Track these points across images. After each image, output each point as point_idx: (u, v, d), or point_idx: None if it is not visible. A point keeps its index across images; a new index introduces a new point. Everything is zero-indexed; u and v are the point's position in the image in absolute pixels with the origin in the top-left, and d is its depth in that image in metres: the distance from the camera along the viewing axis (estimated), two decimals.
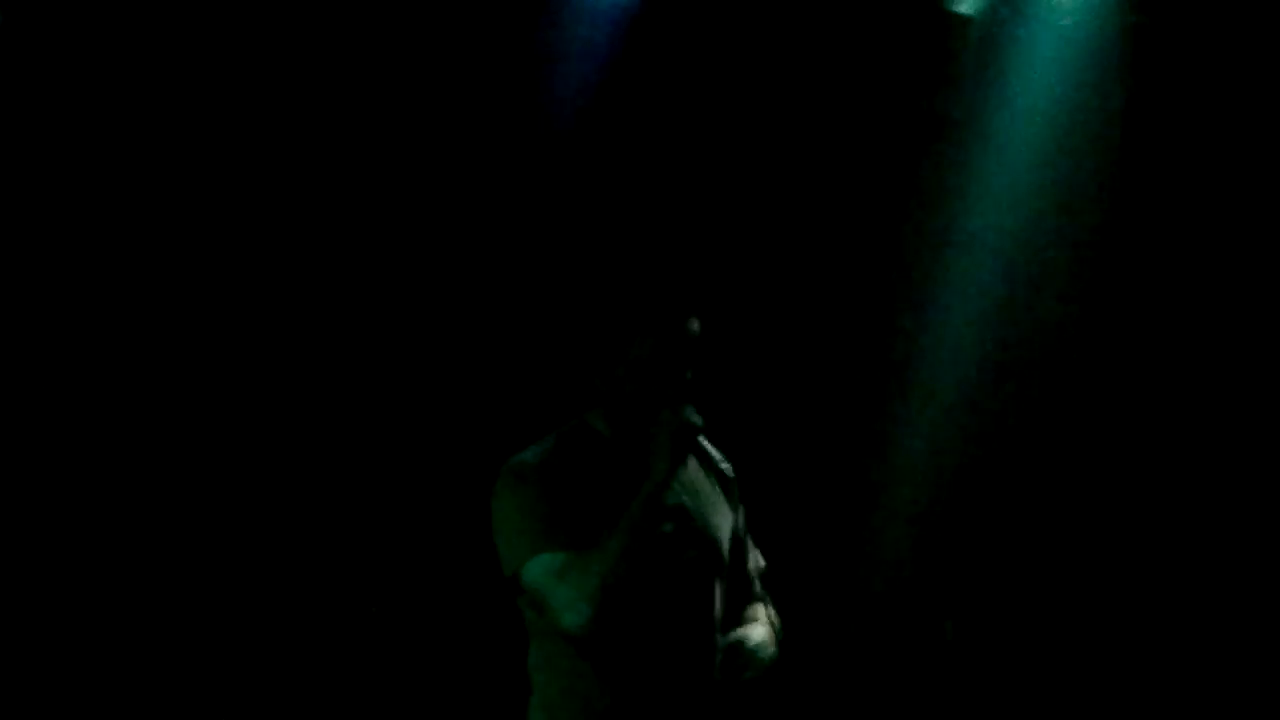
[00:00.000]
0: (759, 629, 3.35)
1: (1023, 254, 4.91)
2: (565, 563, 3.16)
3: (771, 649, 3.33)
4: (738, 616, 3.36)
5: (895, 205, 5.00)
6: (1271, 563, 4.77)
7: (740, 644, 3.29)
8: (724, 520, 3.34)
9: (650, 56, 4.89)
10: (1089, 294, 4.89)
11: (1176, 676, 4.75)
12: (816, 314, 5.01)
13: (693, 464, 3.31)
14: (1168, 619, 4.80)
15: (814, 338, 5.00)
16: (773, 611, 3.41)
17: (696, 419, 3.21)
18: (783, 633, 3.38)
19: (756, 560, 3.44)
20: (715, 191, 4.97)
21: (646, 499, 3.16)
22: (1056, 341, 4.89)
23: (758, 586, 3.42)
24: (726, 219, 4.98)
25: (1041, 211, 4.91)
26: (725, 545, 3.32)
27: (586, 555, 3.15)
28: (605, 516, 3.17)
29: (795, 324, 5.02)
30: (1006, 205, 4.88)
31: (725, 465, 3.31)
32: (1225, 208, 4.78)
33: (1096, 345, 4.90)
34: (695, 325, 3.26)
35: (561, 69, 4.84)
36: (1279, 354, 4.76)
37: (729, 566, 3.32)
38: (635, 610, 3.17)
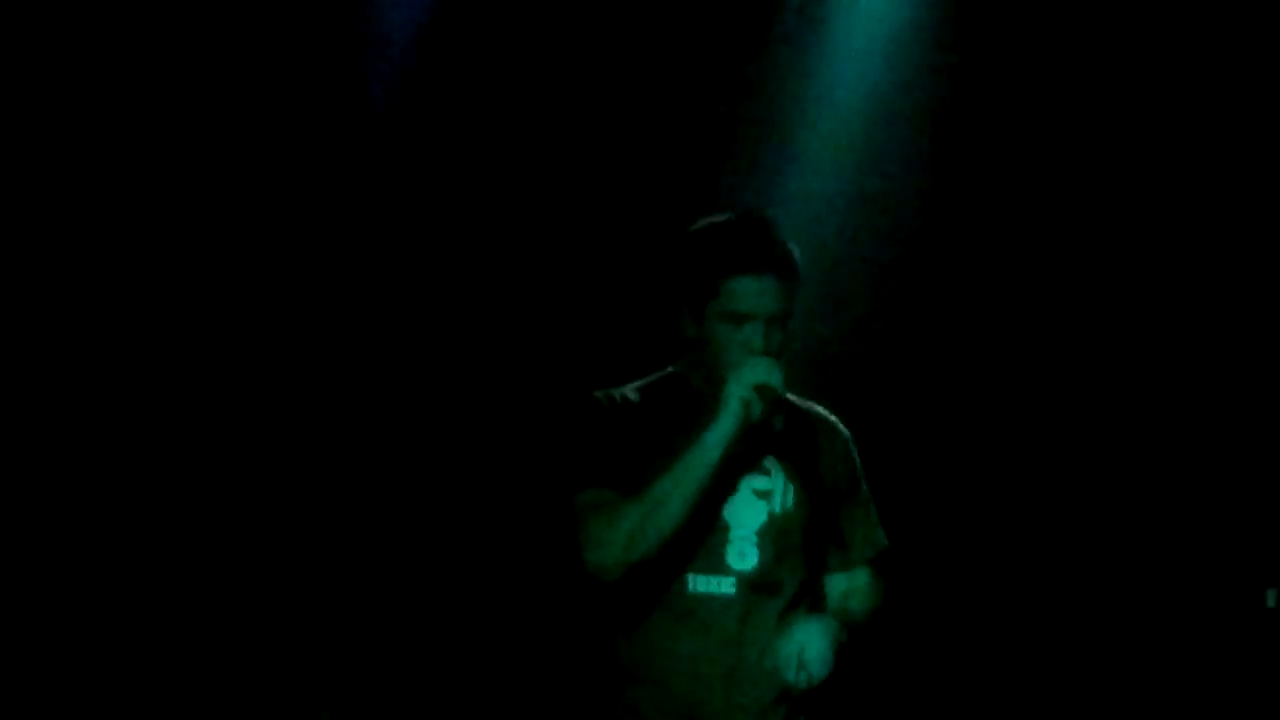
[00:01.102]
0: (818, 635, 3.13)
1: (834, 246, 4.83)
2: (610, 499, 3.12)
3: (827, 646, 3.12)
4: (812, 588, 3.27)
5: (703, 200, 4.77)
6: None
7: (798, 651, 3.12)
8: (803, 483, 3.24)
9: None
10: (900, 290, 4.89)
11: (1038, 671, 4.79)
12: (612, 306, 4.88)
13: (789, 422, 3.25)
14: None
15: (609, 331, 4.87)
16: (864, 583, 3.33)
17: (768, 376, 3.08)
18: (871, 602, 3.32)
19: (870, 535, 3.36)
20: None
21: (689, 456, 3.08)
22: (866, 339, 4.85)
23: (856, 555, 3.33)
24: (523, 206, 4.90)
25: (851, 205, 4.87)
26: (799, 509, 3.23)
27: (631, 499, 3.10)
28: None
29: (592, 317, 4.91)
30: (817, 201, 4.82)
31: (829, 420, 3.31)
32: (1043, 210, 4.80)
33: (907, 343, 4.90)
34: (768, 282, 3.14)
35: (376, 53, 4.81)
36: (1089, 343, 4.81)
37: (806, 531, 3.23)
38: (662, 565, 3.12)
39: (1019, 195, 4.81)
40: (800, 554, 3.24)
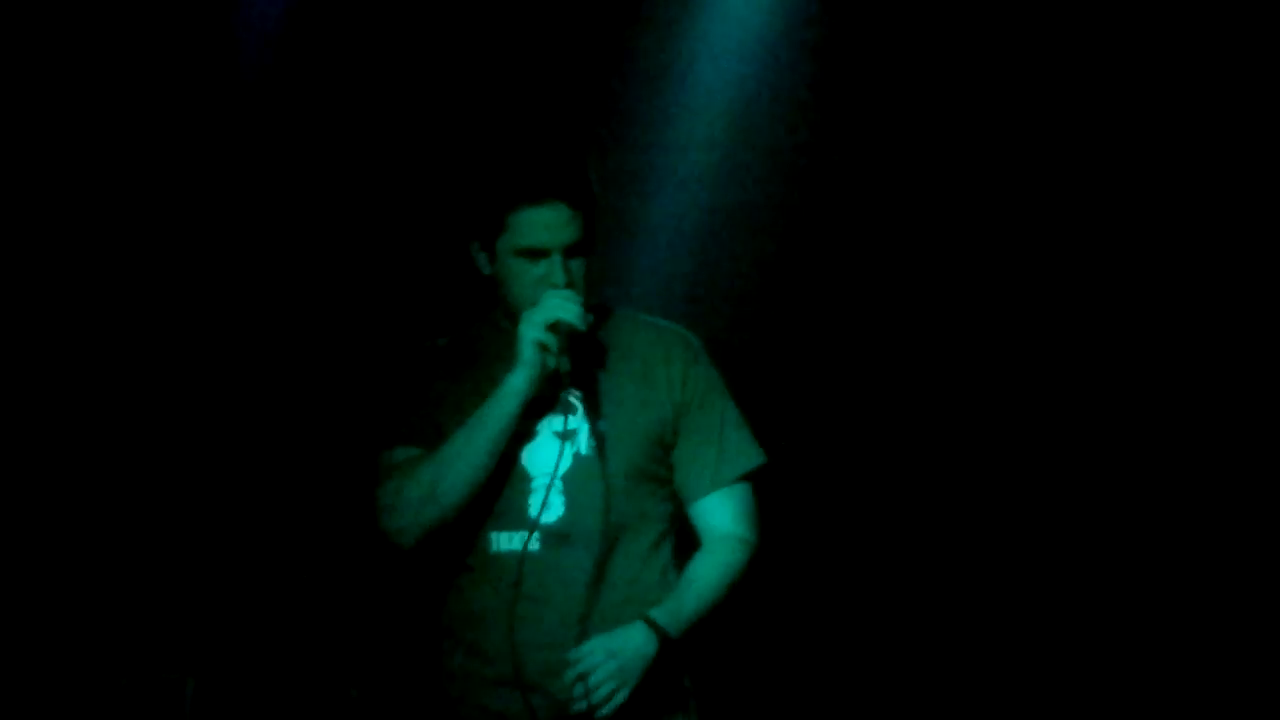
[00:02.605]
0: (619, 655, 2.88)
1: (706, 236, 4.78)
2: (407, 460, 2.95)
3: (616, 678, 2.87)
4: (656, 524, 3.02)
5: None
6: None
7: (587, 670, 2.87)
8: (618, 414, 2.99)
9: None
10: (771, 280, 4.81)
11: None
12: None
13: (607, 348, 3.02)
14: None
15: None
16: (712, 563, 3.01)
17: (561, 312, 2.88)
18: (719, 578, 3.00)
19: (730, 452, 3.04)
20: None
21: (483, 409, 2.90)
22: (739, 328, 4.73)
23: (712, 476, 3.02)
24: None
25: (722, 198, 4.79)
26: (631, 448, 2.98)
27: (424, 460, 2.93)
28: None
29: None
30: (689, 187, 4.76)
31: (671, 334, 3.07)
32: (917, 201, 4.71)
33: (778, 333, 4.82)
34: (560, 211, 2.92)
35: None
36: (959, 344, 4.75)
37: (629, 465, 2.97)
38: (464, 524, 2.93)
39: (887, 201, 4.74)
40: (625, 493, 2.97)
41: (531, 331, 2.88)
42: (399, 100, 4.79)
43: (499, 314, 3.05)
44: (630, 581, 2.98)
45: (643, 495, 3.01)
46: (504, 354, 2.94)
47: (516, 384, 2.89)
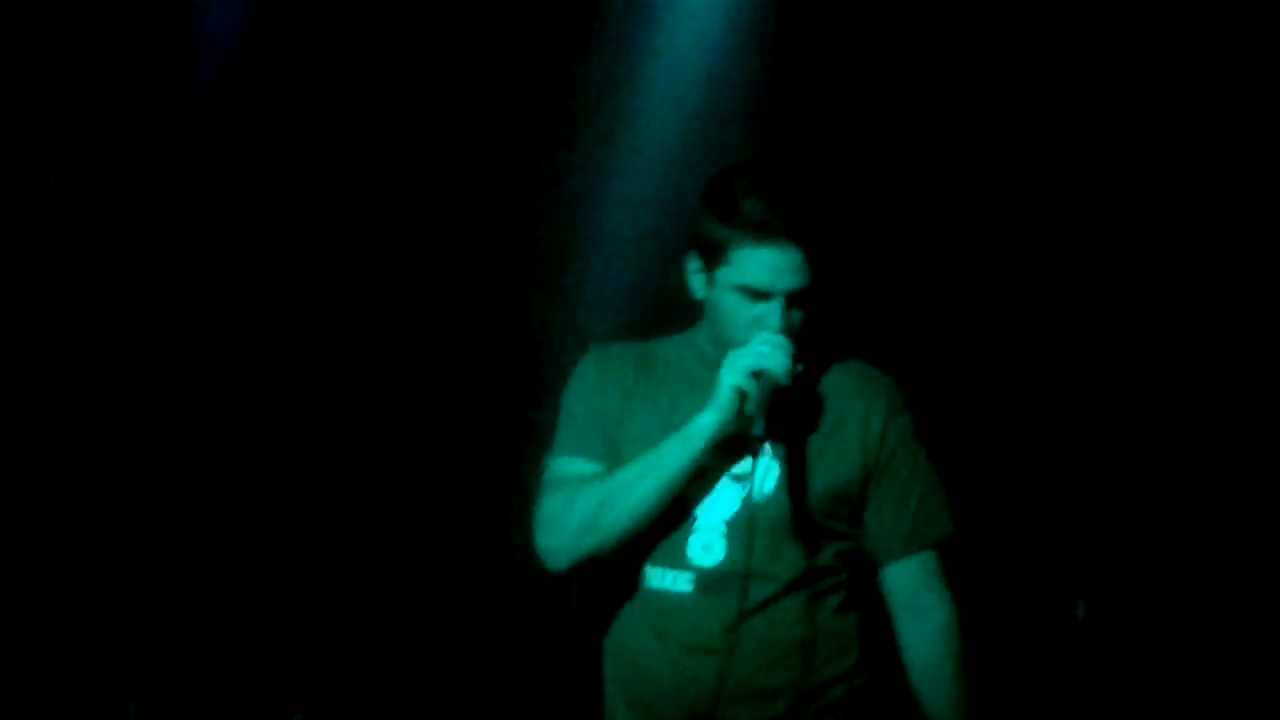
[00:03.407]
0: None
1: (666, 221, 4.64)
2: (576, 479, 2.81)
3: None
4: (826, 581, 2.86)
5: (530, 190, 4.78)
6: None
7: None
8: (798, 461, 2.81)
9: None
10: None
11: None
12: (445, 303, 4.80)
13: (808, 408, 2.83)
14: None
15: (443, 329, 4.80)
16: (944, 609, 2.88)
17: (768, 361, 2.68)
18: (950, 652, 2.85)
19: (915, 519, 2.87)
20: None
21: (665, 444, 2.74)
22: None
23: (895, 545, 2.86)
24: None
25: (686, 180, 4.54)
26: (782, 492, 2.81)
27: (596, 480, 2.78)
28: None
29: (427, 312, 4.80)
30: (648, 192, 4.70)
31: (874, 384, 2.89)
32: (876, 206, 4.65)
33: None
34: (789, 255, 2.71)
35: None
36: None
37: (798, 516, 2.81)
38: (623, 555, 2.80)
39: (843, 197, 4.60)
40: (792, 544, 2.82)
41: (733, 376, 2.72)
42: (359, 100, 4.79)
43: (701, 335, 2.91)
44: (766, 640, 2.84)
45: (809, 551, 2.85)
46: (696, 379, 2.84)
47: (705, 424, 2.74)
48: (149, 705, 4.57)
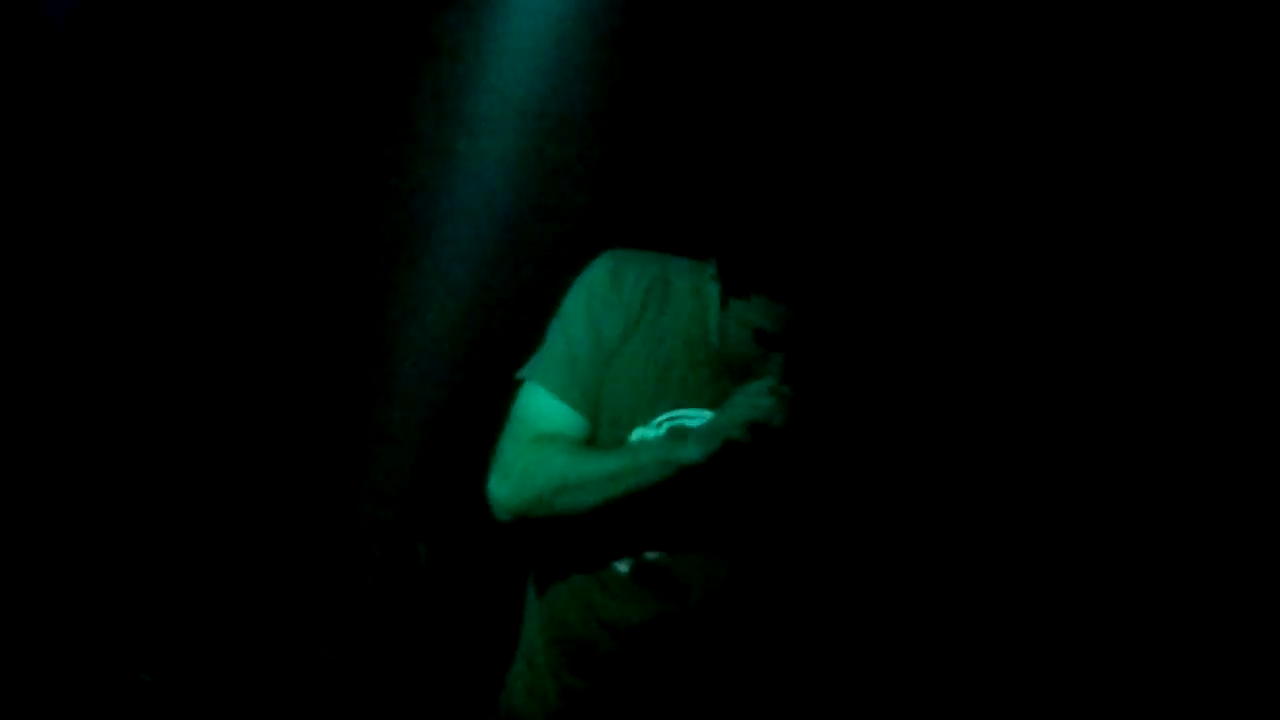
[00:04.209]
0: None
1: (506, 226, 4.73)
2: (551, 439, 2.73)
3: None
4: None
5: (368, 191, 4.79)
6: None
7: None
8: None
9: None
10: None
11: None
12: (288, 307, 4.80)
13: None
14: None
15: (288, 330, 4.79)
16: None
17: (770, 416, 2.57)
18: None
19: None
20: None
21: (643, 458, 2.66)
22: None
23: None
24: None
25: (525, 185, 4.71)
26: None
27: (565, 451, 2.71)
28: (650, 392, 2.72)
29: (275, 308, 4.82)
30: (490, 176, 4.70)
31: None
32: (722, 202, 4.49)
33: None
34: (787, 312, 2.59)
35: None
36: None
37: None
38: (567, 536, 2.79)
39: (684, 201, 4.54)
40: (740, 561, 2.82)
41: (732, 430, 2.61)
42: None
43: (713, 272, 2.72)
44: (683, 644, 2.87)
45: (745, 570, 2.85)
46: (695, 350, 2.77)
47: (686, 458, 2.65)
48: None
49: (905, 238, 4.29)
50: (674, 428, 2.78)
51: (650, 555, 2.81)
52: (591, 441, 2.81)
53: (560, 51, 4.61)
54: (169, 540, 4.79)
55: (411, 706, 4.59)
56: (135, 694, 4.61)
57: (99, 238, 4.76)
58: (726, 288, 2.66)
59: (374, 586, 4.72)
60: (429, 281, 4.74)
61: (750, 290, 2.62)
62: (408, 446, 4.75)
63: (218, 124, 4.72)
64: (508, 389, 2.99)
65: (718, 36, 4.48)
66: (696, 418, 2.77)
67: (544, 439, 2.76)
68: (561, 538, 2.88)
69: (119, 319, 4.79)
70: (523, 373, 2.85)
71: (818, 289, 2.60)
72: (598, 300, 2.80)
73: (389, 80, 4.72)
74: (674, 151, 4.57)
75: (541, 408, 2.78)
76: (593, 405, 2.77)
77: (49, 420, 4.76)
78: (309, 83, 4.71)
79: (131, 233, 4.76)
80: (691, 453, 2.63)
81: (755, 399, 2.61)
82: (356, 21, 4.68)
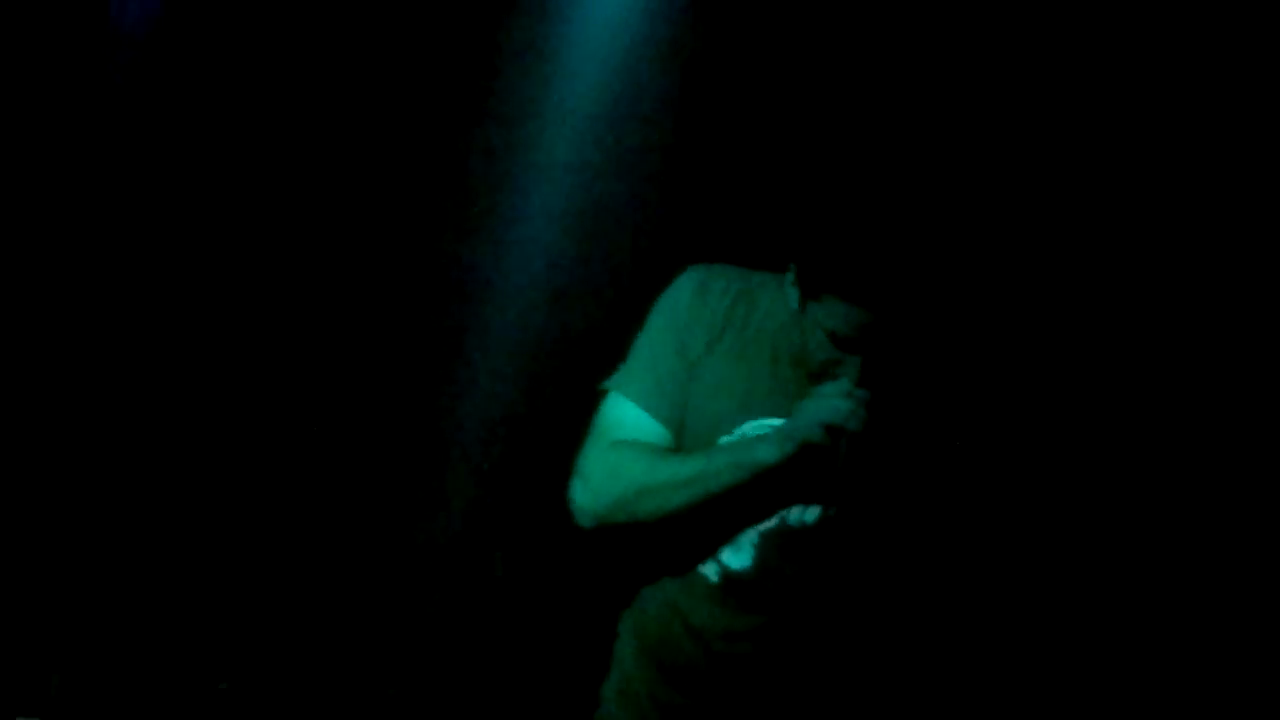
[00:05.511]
0: None
1: (588, 200, 4.69)
2: (632, 446, 2.73)
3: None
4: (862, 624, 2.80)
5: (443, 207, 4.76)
6: None
7: None
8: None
9: None
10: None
11: None
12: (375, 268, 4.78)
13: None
14: None
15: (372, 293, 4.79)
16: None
17: (845, 420, 2.55)
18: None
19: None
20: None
21: (719, 461, 2.64)
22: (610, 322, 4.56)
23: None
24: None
25: (598, 191, 4.69)
26: (823, 526, 2.74)
27: (643, 454, 2.71)
28: (729, 404, 2.69)
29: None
30: (562, 182, 4.68)
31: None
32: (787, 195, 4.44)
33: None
34: (863, 314, 2.56)
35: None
36: None
37: (836, 553, 2.74)
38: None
39: (758, 204, 4.52)
40: (827, 576, 2.76)
41: (808, 431, 2.60)
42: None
43: (792, 279, 2.71)
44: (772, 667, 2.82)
45: (840, 589, 2.80)
46: (780, 357, 2.76)
47: (762, 460, 2.65)
48: (72, 677, 4.58)
49: (979, 241, 4.27)
50: (753, 432, 2.77)
51: (738, 565, 2.79)
52: (675, 451, 2.81)
53: (630, 55, 4.62)
54: (248, 550, 4.81)
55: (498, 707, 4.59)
56: (213, 702, 4.63)
57: (175, 240, 4.79)
58: (804, 292, 2.65)
59: (452, 596, 4.72)
60: (503, 288, 4.74)
61: (825, 293, 2.60)
62: (484, 455, 4.76)
63: (293, 131, 4.75)
64: (585, 395, 3.00)
65: (790, 39, 4.49)
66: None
67: (623, 445, 2.78)
68: (646, 543, 2.88)
69: (197, 324, 4.81)
70: (607, 384, 2.87)
71: (893, 291, 2.58)
72: (682, 314, 2.82)
73: (460, 86, 4.74)
74: (748, 154, 4.55)
75: (623, 417, 2.80)
76: (675, 415, 2.78)
77: (132, 423, 4.79)
78: (383, 89, 4.74)
79: (207, 234, 4.79)
80: (767, 454, 2.63)
81: (830, 400, 2.59)
82: (427, 28, 4.71)
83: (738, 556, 2.78)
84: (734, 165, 4.57)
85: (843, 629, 2.79)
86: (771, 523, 2.76)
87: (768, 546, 2.76)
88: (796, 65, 4.47)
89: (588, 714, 3.07)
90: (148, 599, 4.78)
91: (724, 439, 2.77)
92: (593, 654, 3.12)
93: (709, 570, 2.79)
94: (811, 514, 2.75)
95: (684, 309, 2.82)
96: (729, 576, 2.77)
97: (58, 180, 4.74)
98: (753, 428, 2.76)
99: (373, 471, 4.82)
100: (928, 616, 2.85)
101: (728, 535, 2.78)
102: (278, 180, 4.78)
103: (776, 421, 2.73)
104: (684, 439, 2.81)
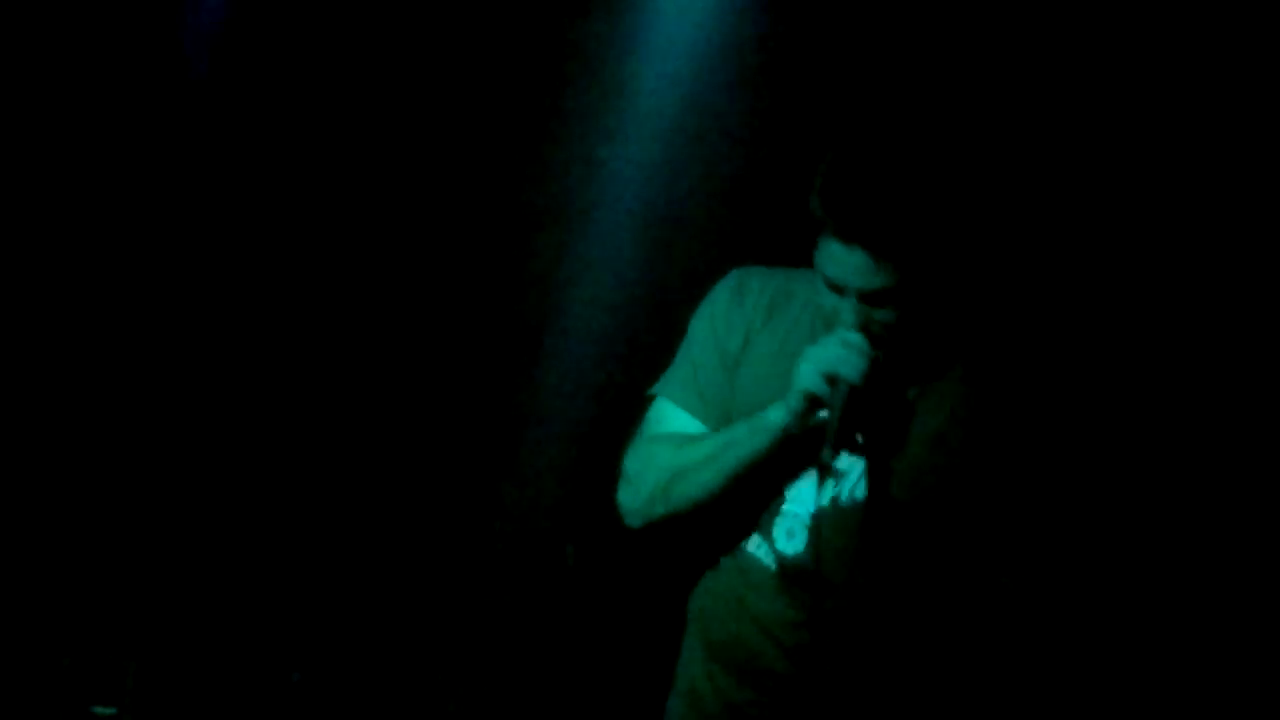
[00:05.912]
0: None
1: (661, 202, 4.67)
2: (668, 436, 2.74)
3: None
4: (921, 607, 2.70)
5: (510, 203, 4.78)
6: None
7: None
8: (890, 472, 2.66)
9: None
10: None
11: None
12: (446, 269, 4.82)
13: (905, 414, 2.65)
14: None
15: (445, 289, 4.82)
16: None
17: (841, 365, 2.51)
18: None
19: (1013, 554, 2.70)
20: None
21: (736, 431, 2.64)
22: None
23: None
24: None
25: (670, 193, 4.67)
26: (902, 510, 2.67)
27: (680, 445, 2.71)
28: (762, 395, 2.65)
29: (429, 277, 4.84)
30: (634, 184, 4.67)
31: (983, 394, 2.65)
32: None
33: None
34: (857, 256, 2.51)
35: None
36: None
37: (886, 532, 2.66)
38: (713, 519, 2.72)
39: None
40: (874, 556, 2.68)
41: (806, 380, 2.58)
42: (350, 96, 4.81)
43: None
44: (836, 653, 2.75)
45: (894, 566, 2.71)
46: (820, 317, 2.68)
47: (773, 421, 2.63)
48: (149, 665, 4.64)
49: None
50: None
51: (793, 550, 2.73)
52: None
53: (703, 58, 4.60)
54: (325, 543, 4.85)
55: (564, 709, 4.61)
56: (286, 693, 4.68)
57: (261, 238, 4.84)
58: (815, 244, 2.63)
59: (524, 589, 4.75)
60: (575, 288, 4.76)
61: (821, 235, 2.59)
62: (557, 450, 4.78)
63: (367, 132, 4.79)
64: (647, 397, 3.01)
65: (860, 43, 4.47)
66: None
67: (656, 437, 2.80)
68: (695, 534, 2.84)
69: (284, 320, 4.86)
70: (653, 389, 2.88)
71: (884, 231, 2.53)
72: (720, 315, 2.82)
73: (532, 88, 4.75)
74: (819, 157, 4.52)
75: (662, 416, 2.82)
76: (715, 413, 2.78)
77: (208, 415, 4.85)
78: (454, 91, 4.75)
79: (287, 234, 4.84)
80: (776, 413, 2.62)
81: (826, 349, 2.58)
82: (500, 30, 4.71)
83: (792, 542, 2.72)
84: (810, 172, 4.58)
85: (902, 610, 2.73)
86: (823, 503, 2.70)
87: (822, 528, 2.70)
88: (869, 66, 4.45)
89: (656, 707, 3.05)
90: (224, 590, 4.83)
91: None
92: (663, 646, 3.09)
93: (766, 558, 2.75)
94: (861, 489, 2.69)
95: (721, 311, 2.82)
96: (785, 563, 2.72)
97: (133, 177, 4.82)
98: None
99: (448, 466, 4.85)
100: (977, 594, 2.78)
101: (767, 502, 2.74)
102: (358, 182, 4.82)
103: None
104: None
